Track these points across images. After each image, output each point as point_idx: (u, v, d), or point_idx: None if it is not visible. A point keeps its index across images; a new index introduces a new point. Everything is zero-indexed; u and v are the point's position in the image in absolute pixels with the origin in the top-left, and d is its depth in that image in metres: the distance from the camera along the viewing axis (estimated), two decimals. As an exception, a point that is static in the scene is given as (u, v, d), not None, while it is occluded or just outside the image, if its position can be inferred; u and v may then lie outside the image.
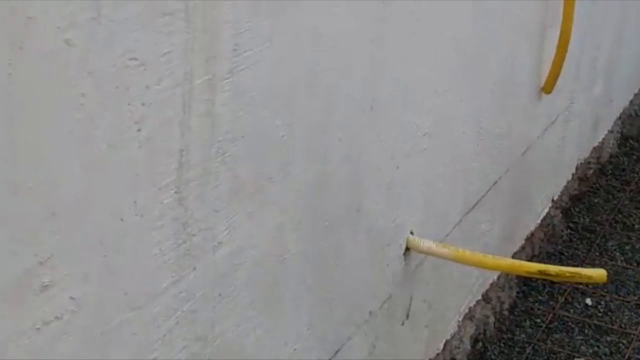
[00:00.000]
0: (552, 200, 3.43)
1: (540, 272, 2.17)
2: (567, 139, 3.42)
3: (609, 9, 3.54)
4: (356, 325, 1.94)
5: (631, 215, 3.88)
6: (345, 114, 1.67)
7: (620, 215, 3.87)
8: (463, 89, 2.23)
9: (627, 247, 3.63)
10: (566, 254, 3.55)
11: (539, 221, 3.28)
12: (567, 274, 2.17)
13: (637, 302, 3.28)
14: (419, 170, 2.08)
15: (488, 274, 2.81)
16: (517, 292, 3.21)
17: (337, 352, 1.88)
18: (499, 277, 2.96)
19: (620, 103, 4.20)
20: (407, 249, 2.12)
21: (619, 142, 4.47)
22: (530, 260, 3.31)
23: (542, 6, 2.69)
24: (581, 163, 3.76)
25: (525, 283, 3.29)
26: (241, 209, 1.40)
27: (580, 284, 3.22)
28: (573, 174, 3.66)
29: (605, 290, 3.34)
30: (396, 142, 1.92)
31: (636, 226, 3.80)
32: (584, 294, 3.31)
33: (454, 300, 2.57)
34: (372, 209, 1.88)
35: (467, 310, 2.70)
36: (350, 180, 1.76)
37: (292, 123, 1.49)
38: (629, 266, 3.50)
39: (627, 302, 3.28)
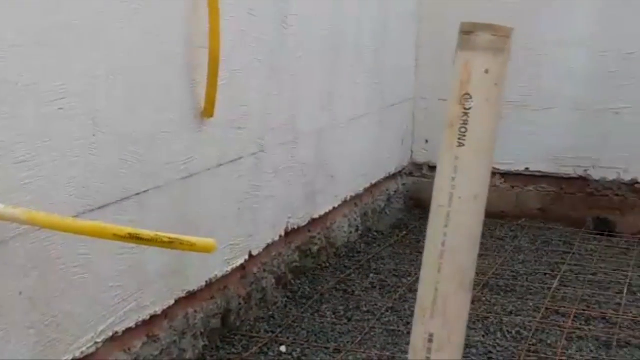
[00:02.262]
0: (251, 255, 3.26)
1: (131, 235, 1.98)
2: (264, 191, 3.30)
3: (311, 69, 3.54)
4: None
5: (355, 285, 3.75)
6: None
7: (343, 285, 3.74)
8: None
9: (340, 307, 3.48)
10: (277, 317, 3.36)
11: (228, 269, 3.09)
12: (165, 240, 2.00)
13: (337, 348, 3.09)
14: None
15: (139, 297, 2.57)
16: (206, 345, 2.98)
17: None
18: (166, 314, 2.72)
19: (346, 186, 4.14)
20: (-24, 212, 1.90)
21: (360, 232, 4.41)
22: (232, 326, 3.11)
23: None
24: (294, 229, 3.63)
25: (224, 339, 3.06)
26: None
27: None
28: (281, 236, 3.52)
29: (305, 339, 3.15)
30: None
31: (357, 292, 3.67)
32: (279, 343, 3.10)
33: (84, 314, 2.32)
34: None
35: (111, 334, 2.44)
36: None
37: None
38: (338, 322, 3.33)
39: (326, 348, 3.09)
